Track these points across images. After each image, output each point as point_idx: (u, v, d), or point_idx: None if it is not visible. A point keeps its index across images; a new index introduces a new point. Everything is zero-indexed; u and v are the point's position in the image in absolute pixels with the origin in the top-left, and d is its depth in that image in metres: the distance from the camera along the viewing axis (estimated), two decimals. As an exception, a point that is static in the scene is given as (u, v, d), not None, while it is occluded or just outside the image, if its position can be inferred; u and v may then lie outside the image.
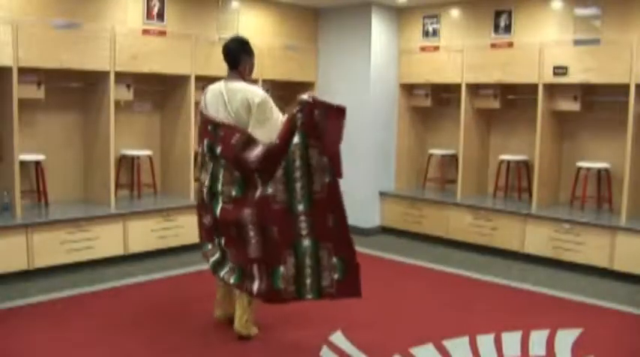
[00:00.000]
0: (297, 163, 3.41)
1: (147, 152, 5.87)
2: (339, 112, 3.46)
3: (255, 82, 5.99)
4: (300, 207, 3.43)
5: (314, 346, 3.57)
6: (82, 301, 4.32)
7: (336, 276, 3.48)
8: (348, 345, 3.59)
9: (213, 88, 3.64)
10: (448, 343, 3.64)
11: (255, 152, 3.45)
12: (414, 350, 3.54)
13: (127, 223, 5.28)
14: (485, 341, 3.69)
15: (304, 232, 3.44)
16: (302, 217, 3.43)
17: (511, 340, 3.72)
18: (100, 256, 5.12)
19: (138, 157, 5.82)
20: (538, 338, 3.75)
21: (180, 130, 5.91)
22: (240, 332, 3.65)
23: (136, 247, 5.36)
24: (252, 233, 3.48)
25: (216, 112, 3.55)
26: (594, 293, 4.76)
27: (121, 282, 4.77)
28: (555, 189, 6.02)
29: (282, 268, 3.45)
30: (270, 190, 3.43)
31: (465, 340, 3.71)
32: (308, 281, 3.48)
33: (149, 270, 5.12)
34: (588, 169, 5.67)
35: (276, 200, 3.43)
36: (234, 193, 3.52)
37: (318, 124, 3.40)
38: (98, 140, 5.40)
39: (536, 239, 5.60)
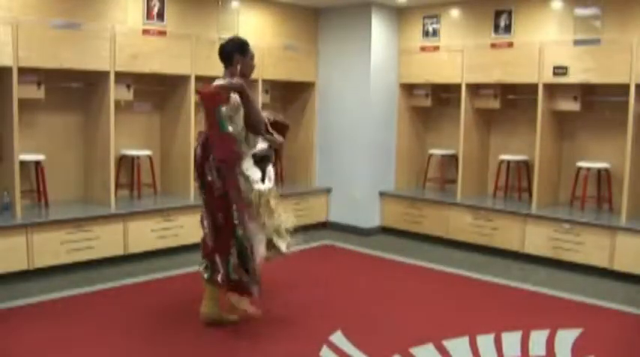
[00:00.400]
0: None
1: (147, 152, 5.87)
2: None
3: (253, 82, 6.01)
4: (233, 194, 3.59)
5: (314, 345, 3.56)
6: (82, 301, 4.32)
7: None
8: (348, 345, 3.59)
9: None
10: (448, 343, 3.64)
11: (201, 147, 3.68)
12: (414, 350, 3.54)
13: (127, 223, 5.28)
14: (485, 341, 3.69)
15: (237, 222, 3.57)
16: (234, 206, 3.57)
17: (511, 340, 3.72)
18: (100, 256, 5.12)
19: (138, 157, 5.82)
20: (538, 338, 3.75)
21: (180, 130, 5.91)
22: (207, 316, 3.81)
23: (136, 247, 5.35)
24: (206, 223, 3.67)
25: None
26: (594, 293, 4.76)
27: (121, 282, 4.77)
28: (555, 189, 6.02)
29: (231, 259, 3.60)
30: (209, 177, 3.59)
31: (465, 340, 3.71)
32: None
33: (149, 270, 5.12)
34: (588, 169, 5.67)
35: (216, 186, 3.58)
36: (203, 197, 3.75)
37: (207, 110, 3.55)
38: (98, 140, 5.40)
39: (536, 239, 5.59)
